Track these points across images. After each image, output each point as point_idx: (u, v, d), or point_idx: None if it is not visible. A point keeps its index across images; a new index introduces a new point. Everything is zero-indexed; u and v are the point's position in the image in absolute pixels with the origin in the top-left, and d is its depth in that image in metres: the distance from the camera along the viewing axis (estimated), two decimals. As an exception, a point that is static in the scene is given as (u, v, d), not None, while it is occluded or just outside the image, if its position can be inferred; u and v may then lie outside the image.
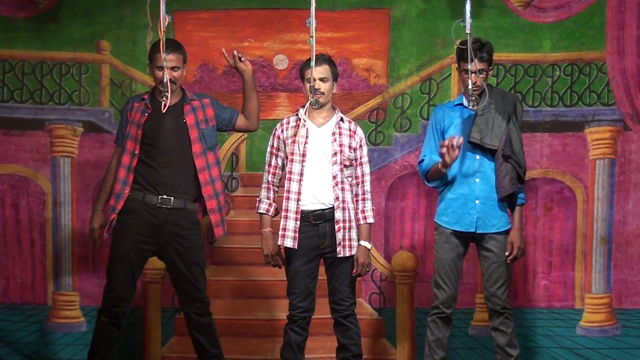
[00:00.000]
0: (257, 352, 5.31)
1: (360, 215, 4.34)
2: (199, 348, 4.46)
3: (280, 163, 4.38)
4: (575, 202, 5.37)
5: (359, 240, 4.31)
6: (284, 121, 4.39)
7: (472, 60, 4.14)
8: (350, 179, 4.34)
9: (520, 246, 4.42)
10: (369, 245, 4.33)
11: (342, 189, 4.29)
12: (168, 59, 4.15)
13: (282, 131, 4.36)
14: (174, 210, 4.35)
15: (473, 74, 4.19)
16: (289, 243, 4.26)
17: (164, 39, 4.03)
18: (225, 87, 5.42)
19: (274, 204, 4.37)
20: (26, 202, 5.42)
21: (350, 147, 4.32)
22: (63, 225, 5.38)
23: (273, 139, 4.39)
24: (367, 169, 4.40)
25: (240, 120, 4.53)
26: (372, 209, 4.38)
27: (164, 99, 4.14)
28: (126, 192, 4.34)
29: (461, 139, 4.23)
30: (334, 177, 4.28)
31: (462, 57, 4.26)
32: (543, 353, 5.29)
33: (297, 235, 4.25)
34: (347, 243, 4.27)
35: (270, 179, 4.38)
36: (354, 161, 4.35)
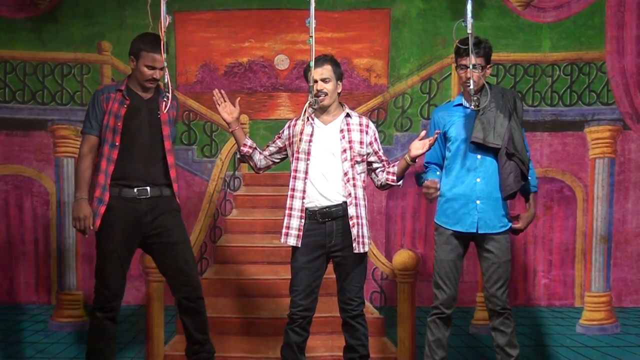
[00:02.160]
0: (259, 350, 5.33)
1: (390, 169, 4.35)
2: (186, 333, 4.45)
3: (278, 144, 4.45)
4: (575, 201, 5.38)
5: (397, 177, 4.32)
6: (296, 118, 4.39)
7: (467, 54, 4.16)
8: (362, 176, 4.34)
9: (522, 229, 4.47)
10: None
11: (354, 185, 4.29)
12: (160, 59, 4.18)
13: (290, 127, 4.42)
14: (152, 199, 4.38)
15: (468, 69, 4.20)
16: (292, 241, 4.28)
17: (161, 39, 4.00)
18: (227, 87, 5.38)
19: (253, 145, 4.46)
20: (30, 202, 5.43)
21: (361, 142, 4.33)
22: (67, 225, 5.39)
23: (284, 127, 4.46)
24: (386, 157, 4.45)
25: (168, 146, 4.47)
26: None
27: (165, 99, 4.14)
28: (109, 182, 4.33)
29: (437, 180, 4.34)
30: (345, 174, 4.29)
31: (458, 53, 4.31)
32: (543, 351, 5.31)
33: (301, 233, 4.27)
34: (360, 240, 4.27)
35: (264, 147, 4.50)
36: (373, 156, 4.36)
